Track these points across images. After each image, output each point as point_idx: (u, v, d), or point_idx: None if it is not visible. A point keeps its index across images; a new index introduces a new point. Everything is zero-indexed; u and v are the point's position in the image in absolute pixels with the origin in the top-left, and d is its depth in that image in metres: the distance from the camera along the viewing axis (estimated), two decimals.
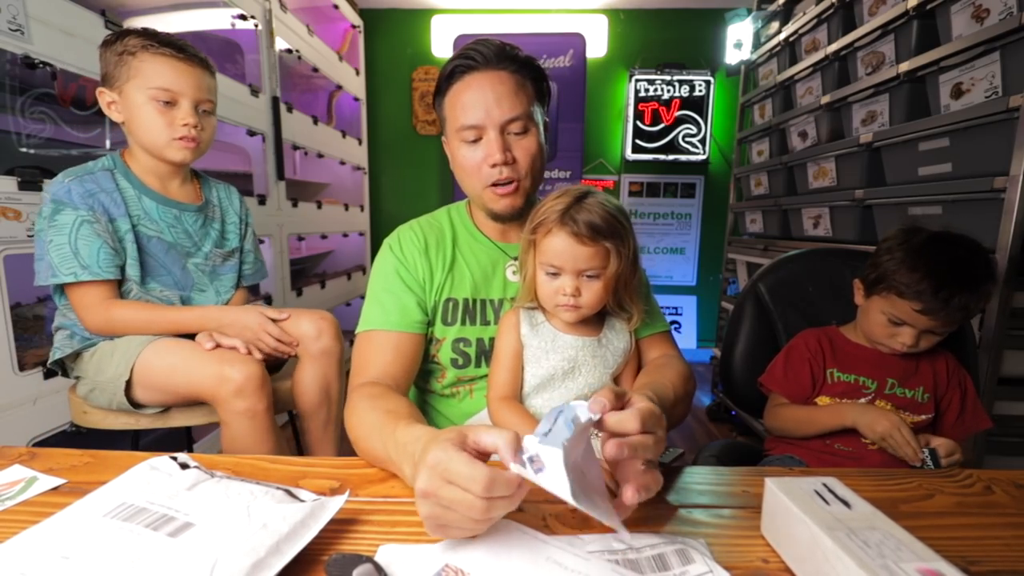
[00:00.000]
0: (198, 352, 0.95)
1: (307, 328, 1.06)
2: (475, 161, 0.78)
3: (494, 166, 0.76)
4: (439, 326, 0.82)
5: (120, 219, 0.99)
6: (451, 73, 0.79)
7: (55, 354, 1.03)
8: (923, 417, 0.88)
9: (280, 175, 2.26)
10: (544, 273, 0.71)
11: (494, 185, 0.78)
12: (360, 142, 3.33)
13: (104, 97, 0.99)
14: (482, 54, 0.76)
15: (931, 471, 0.71)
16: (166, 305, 1.04)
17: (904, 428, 0.82)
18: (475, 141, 0.77)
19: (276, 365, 1.13)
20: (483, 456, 0.44)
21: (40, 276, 0.94)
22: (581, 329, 0.75)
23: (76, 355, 1.02)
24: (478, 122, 0.76)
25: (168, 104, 0.97)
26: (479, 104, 0.75)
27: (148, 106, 0.97)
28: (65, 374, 1.06)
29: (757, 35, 2.61)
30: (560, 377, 0.73)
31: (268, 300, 2.21)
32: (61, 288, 0.98)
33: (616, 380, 0.77)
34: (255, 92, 2.07)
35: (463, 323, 0.81)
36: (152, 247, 1.03)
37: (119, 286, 1.01)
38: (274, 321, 1.05)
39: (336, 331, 1.09)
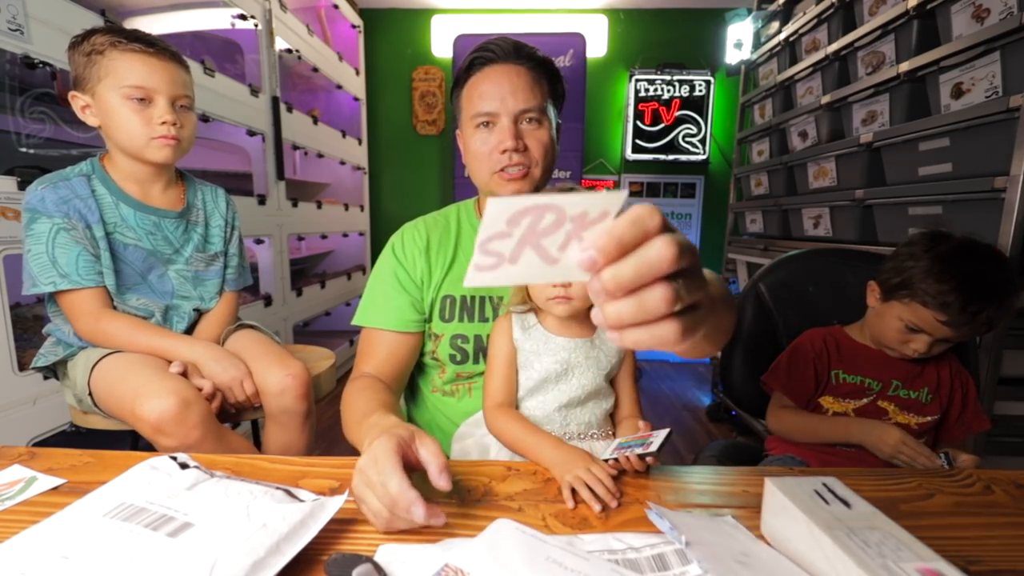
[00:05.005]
0: (137, 375, 0.88)
1: (271, 382, 0.98)
2: (487, 147, 0.79)
3: (504, 152, 0.78)
4: (437, 322, 0.82)
5: (95, 225, 0.95)
6: (470, 65, 0.81)
7: (38, 360, 1.02)
8: (928, 419, 0.88)
9: (280, 175, 2.26)
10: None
11: (503, 171, 0.79)
12: (360, 142, 3.33)
13: (77, 101, 0.95)
14: (501, 48, 0.79)
15: (932, 471, 0.71)
16: (158, 327, 1.00)
17: (910, 439, 0.81)
18: (488, 126, 0.79)
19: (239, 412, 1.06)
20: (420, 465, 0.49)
21: (25, 285, 0.93)
22: (574, 330, 0.74)
23: (64, 362, 1.01)
24: (493, 109, 0.78)
25: (144, 102, 0.93)
26: (495, 94, 0.78)
27: (123, 106, 0.92)
28: (58, 378, 1.06)
29: (757, 35, 2.62)
30: (553, 379, 0.72)
31: (268, 301, 2.21)
32: (52, 295, 0.96)
33: (611, 382, 0.77)
34: (255, 92, 2.07)
35: (461, 319, 0.82)
36: (129, 255, 1.00)
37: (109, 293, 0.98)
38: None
39: (303, 390, 1.00)
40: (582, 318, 0.74)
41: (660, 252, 0.28)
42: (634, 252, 0.28)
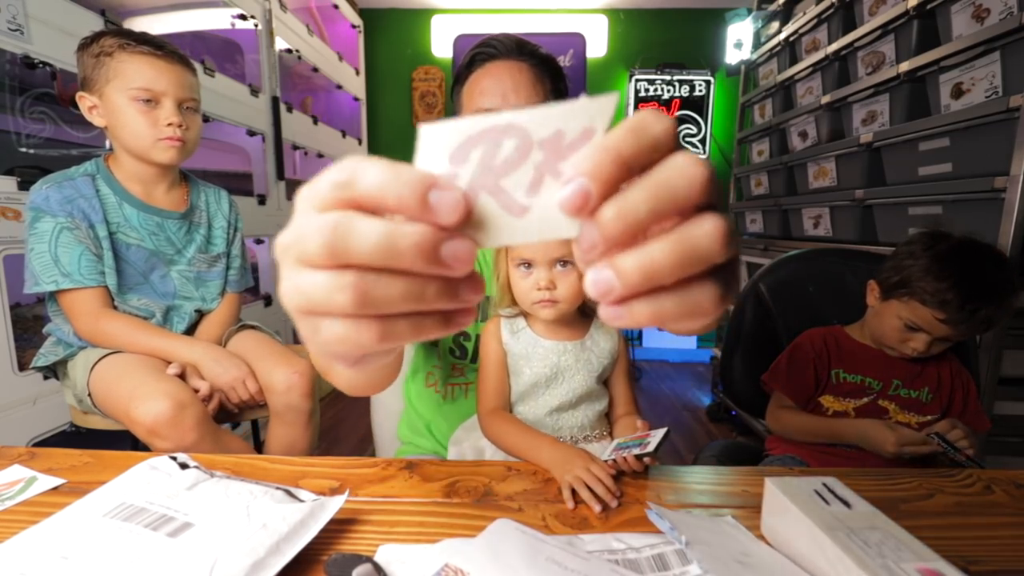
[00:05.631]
0: (132, 377, 0.88)
1: (277, 380, 1.00)
2: None
3: None
4: None
5: (98, 225, 0.96)
6: (471, 61, 0.80)
7: (38, 360, 1.02)
8: (929, 418, 0.88)
9: (280, 175, 2.26)
10: (517, 269, 0.69)
11: None
12: (360, 142, 3.33)
13: (85, 102, 0.96)
14: (503, 44, 0.78)
15: (934, 470, 0.71)
16: (158, 327, 1.00)
17: (906, 436, 0.81)
18: None
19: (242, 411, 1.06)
20: None
21: (27, 284, 0.94)
22: (563, 332, 0.72)
23: (64, 362, 1.01)
24: (494, 106, 0.77)
25: (151, 104, 0.94)
26: (496, 90, 0.76)
27: (130, 107, 0.93)
28: (58, 378, 1.06)
29: (757, 35, 2.62)
30: (543, 384, 0.71)
31: (268, 301, 2.21)
32: (53, 295, 0.97)
33: (605, 383, 0.76)
34: (255, 92, 2.07)
35: None
36: (132, 255, 1.00)
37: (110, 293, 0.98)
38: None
39: (309, 388, 1.02)
40: (572, 319, 0.73)
41: (686, 170, 0.18)
42: (646, 175, 0.19)
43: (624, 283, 0.19)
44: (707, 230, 0.18)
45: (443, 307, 0.20)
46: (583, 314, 0.74)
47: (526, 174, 0.20)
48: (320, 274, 0.19)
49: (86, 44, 0.94)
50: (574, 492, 0.53)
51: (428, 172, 0.19)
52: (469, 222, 0.20)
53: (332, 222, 0.18)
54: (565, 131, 0.19)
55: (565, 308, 0.69)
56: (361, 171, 0.19)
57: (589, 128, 0.19)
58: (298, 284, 0.20)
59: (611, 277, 0.19)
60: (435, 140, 0.20)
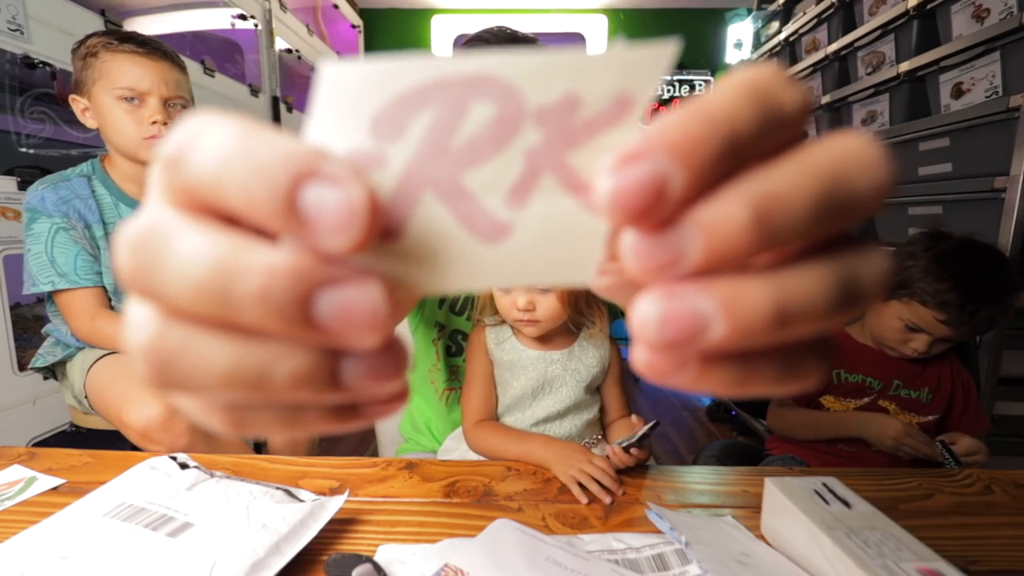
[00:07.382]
0: (125, 380, 0.88)
1: None
2: None
3: None
4: (446, 312, 0.82)
5: (95, 225, 0.96)
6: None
7: (36, 361, 1.02)
8: (929, 418, 0.88)
9: None
10: (496, 288, 0.68)
11: None
12: None
13: (77, 104, 0.96)
14: (496, 36, 0.78)
15: (933, 471, 0.71)
16: None
17: (912, 430, 0.82)
18: None
19: None
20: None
21: (24, 285, 0.94)
22: (550, 343, 0.71)
23: (63, 363, 1.01)
24: None
25: (135, 102, 0.93)
26: None
27: (116, 108, 0.93)
28: (57, 379, 1.06)
29: (757, 35, 2.62)
30: (530, 396, 0.70)
31: None
32: (51, 295, 0.97)
33: (597, 390, 0.75)
34: (255, 92, 2.07)
35: (469, 317, 0.82)
36: None
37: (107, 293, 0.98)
38: None
39: None
40: (559, 328, 0.71)
41: (870, 165, 0.12)
42: (792, 155, 0.12)
43: (735, 326, 0.11)
44: (874, 269, 0.12)
45: (325, 400, 0.13)
46: (572, 322, 0.73)
47: (509, 167, 0.12)
48: (138, 308, 0.12)
49: (76, 47, 0.94)
50: (582, 487, 0.53)
51: (312, 149, 0.11)
52: (395, 248, 0.12)
53: (137, 236, 0.11)
54: (582, 97, 0.12)
55: (548, 326, 0.68)
56: (196, 140, 0.11)
57: (624, 95, 0.12)
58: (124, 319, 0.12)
59: (705, 315, 0.11)
60: (347, 92, 0.12)
